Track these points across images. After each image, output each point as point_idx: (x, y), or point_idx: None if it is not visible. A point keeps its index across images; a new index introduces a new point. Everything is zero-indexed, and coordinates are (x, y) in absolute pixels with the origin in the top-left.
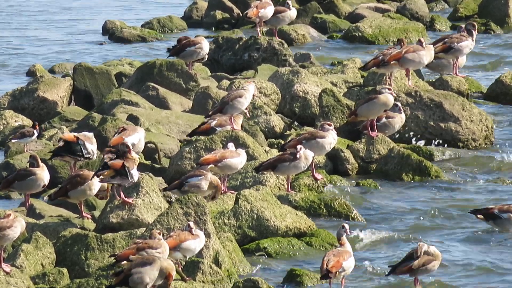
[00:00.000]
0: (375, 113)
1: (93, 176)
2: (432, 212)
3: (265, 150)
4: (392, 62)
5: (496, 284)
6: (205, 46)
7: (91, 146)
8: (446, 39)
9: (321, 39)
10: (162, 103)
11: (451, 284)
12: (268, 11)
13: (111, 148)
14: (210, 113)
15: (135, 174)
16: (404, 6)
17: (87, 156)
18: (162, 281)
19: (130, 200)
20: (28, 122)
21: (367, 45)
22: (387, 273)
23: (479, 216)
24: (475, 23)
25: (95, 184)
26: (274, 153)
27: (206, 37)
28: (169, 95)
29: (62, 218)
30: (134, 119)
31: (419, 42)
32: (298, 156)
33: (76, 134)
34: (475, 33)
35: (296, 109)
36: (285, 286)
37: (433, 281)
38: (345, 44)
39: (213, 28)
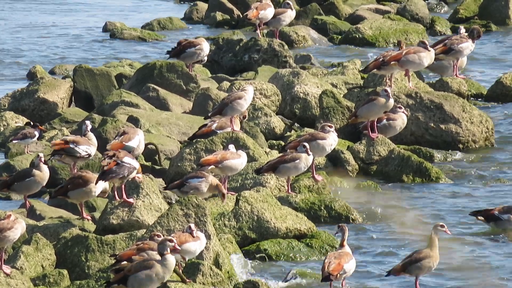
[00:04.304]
0: (375, 114)
1: (97, 181)
2: (433, 213)
3: (265, 152)
4: (392, 63)
5: (496, 285)
6: (205, 48)
7: (85, 146)
8: (446, 41)
9: (322, 41)
10: (162, 105)
11: (451, 285)
12: (268, 12)
13: (109, 152)
14: (209, 114)
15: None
16: (404, 7)
17: (85, 155)
18: None
19: (131, 200)
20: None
21: (367, 46)
22: (386, 274)
23: (479, 217)
24: (481, 33)
25: (97, 188)
26: (275, 154)
27: (206, 39)
28: (170, 96)
29: (62, 219)
30: (134, 121)
31: (422, 44)
32: (309, 152)
33: (67, 137)
34: (475, 39)
35: (297, 110)
36: (285, 287)
37: (433, 282)
38: (346, 46)
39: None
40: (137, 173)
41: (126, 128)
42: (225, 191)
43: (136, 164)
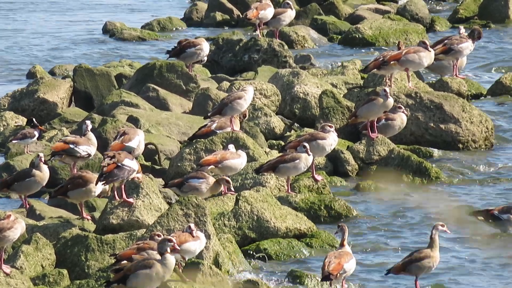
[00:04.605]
0: (374, 114)
1: (97, 182)
2: (432, 213)
3: (265, 151)
4: (391, 62)
5: (496, 284)
6: (205, 48)
7: (85, 147)
8: (446, 41)
9: (321, 41)
10: (162, 105)
11: (451, 285)
12: (268, 12)
13: (109, 153)
14: (209, 114)
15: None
16: (404, 7)
17: (85, 156)
18: None
19: (131, 200)
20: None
21: (367, 46)
22: (385, 272)
23: (479, 217)
24: (481, 34)
25: (97, 188)
26: (274, 154)
27: (206, 39)
28: (169, 96)
29: (62, 219)
30: (134, 121)
31: (422, 44)
32: (309, 153)
33: (67, 138)
34: (476, 40)
35: (296, 110)
36: (285, 287)
37: (433, 282)
38: (345, 46)
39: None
40: (137, 172)
41: (126, 128)
42: (227, 178)
43: (135, 166)
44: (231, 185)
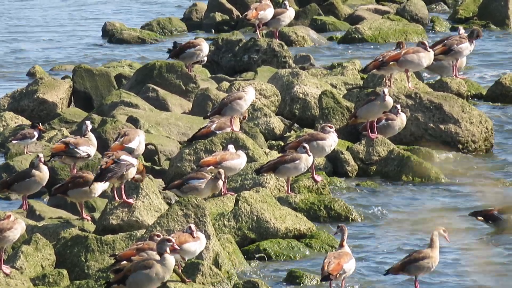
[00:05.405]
0: (374, 114)
1: (94, 181)
2: (432, 214)
3: (265, 152)
4: (391, 63)
5: (496, 284)
6: (205, 48)
7: (84, 147)
8: (445, 41)
9: (321, 41)
10: (162, 105)
11: (451, 285)
12: (268, 13)
13: (108, 153)
14: (208, 114)
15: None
16: (403, 8)
17: (84, 156)
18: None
19: (130, 201)
20: (28, 123)
21: (366, 47)
22: (384, 272)
23: (479, 217)
24: (481, 33)
25: (97, 188)
26: (274, 154)
27: (206, 39)
28: (169, 96)
29: (62, 219)
30: (133, 121)
31: (421, 44)
32: (309, 153)
33: (66, 139)
34: (475, 39)
35: (296, 110)
36: (285, 287)
37: (433, 282)
38: (345, 46)
39: (213, 30)
40: (139, 172)
41: (127, 129)
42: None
43: (134, 160)
44: (222, 176)
